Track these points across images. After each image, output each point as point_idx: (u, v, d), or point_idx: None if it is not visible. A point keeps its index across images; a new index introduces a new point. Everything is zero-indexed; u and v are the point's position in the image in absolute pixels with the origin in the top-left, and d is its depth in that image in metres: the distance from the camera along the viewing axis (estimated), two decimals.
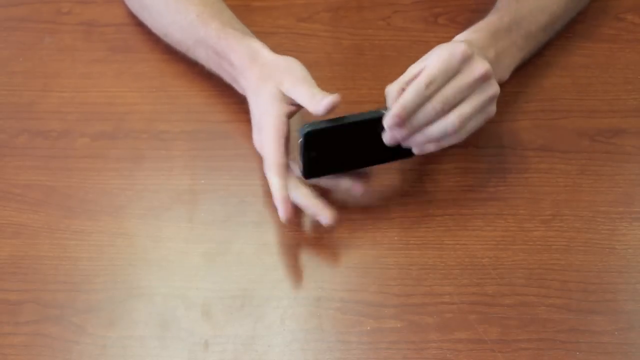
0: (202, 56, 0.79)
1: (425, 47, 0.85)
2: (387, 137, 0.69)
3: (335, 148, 0.69)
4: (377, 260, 0.71)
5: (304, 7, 0.89)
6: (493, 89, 0.68)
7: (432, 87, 0.66)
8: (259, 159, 0.74)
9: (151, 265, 0.72)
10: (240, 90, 0.77)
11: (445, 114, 0.67)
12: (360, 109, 0.78)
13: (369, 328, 0.68)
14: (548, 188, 0.76)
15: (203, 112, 0.80)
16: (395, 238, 0.73)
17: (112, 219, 0.74)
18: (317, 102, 0.67)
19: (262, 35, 0.86)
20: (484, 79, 0.67)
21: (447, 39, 0.86)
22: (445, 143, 0.69)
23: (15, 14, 0.90)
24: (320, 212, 0.70)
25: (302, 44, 0.86)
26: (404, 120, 0.66)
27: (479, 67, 0.67)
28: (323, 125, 0.67)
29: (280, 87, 0.71)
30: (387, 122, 0.67)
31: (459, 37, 0.74)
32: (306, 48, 0.86)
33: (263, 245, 0.73)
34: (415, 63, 0.69)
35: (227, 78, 0.78)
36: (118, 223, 0.74)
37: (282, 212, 0.69)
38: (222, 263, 0.72)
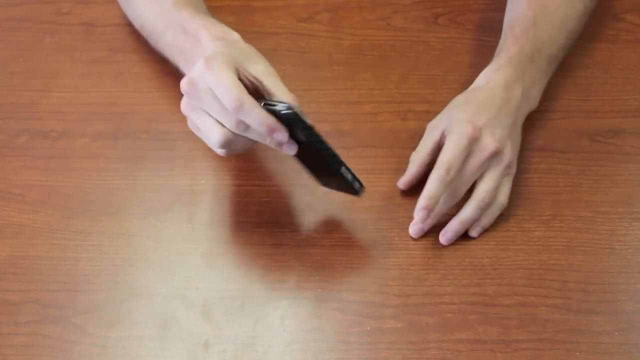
0: (168, 41, 0.76)
1: (425, 47, 0.86)
2: (416, 230, 0.72)
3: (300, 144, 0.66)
4: (377, 260, 0.71)
5: (304, 7, 0.89)
6: (505, 160, 0.72)
7: (452, 172, 0.69)
8: (260, 159, 0.74)
9: (151, 265, 0.72)
10: (187, 70, 0.70)
11: (463, 194, 0.72)
12: (360, 109, 0.79)
13: (369, 328, 0.68)
14: (548, 188, 0.76)
15: None
16: (395, 238, 0.73)
17: (112, 219, 0.74)
18: (293, 99, 0.65)
19: (262, 35, 0.86)
20: (494, 155, 0.71)
21: (447, 39, 0.87)
22: (486, 221, 0.73)
23: (15, 14, 0.90)
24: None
25: (302, 44, 0.86)
26: (432, 210, 0.70)
27: (489, 145, 0.71)
28: (305, 119, 0.64)
29: (246, 61, 0.66)
30: (417, 215, 0.70)
31: (482, 77, 0.76)
32: (306, 48, 0.86)
33: (263, 245, 0.73)
34: (427, 136, 0.74)
35: (185, 59, 0.73)
36: (118, 223, 0.74)
37: (283, 135, 0.64)
38: (222, 263, 0.72)
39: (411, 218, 0.73)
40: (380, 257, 0.72)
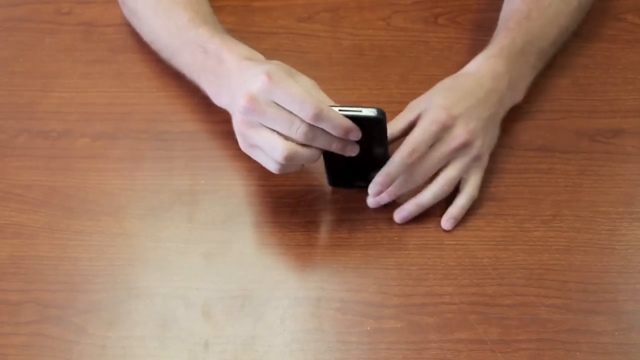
0: (185, 59, 0.77)
1: (425, 47, 0.86)
2: (372, 202, 0.73)
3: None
4: (377, 260, 0.71)
5: (304, 7, 0.89)
6: (474, 152, 0.72)
7: (414, 155, 0.70)
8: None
9: (151, 265, 0.72)
10: (214, 90, 0.73)
11: (428, 179, 0.72)
12: None
13: (369, 328, 0.68)
14: (548, 188, 0.76)
15: (203, 112, 0.80)
16: (395, 238, 0.73)
17: (112, 219, 0.74)
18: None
19: (262, 35, 0.86)
20: (463, 147, 0.71)
21: (447, 39, 0.87)
22: (456, 212, 0.73)
23: (15, 14, 0.90)
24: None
25: (302, 44, 0.86)
26: (386, 187, 0.71)
27: (459, 135, 0.71)
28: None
29: (292, 75, 0.67)
30: (371, 189, 0.71)
31: (473, 64, 0.76)
32: (306, 48, 0.86)
33: (263, 245, 0.73)
34: (404, 114, 0.74)
35: (207, 78, 0.74)
36: (118, 223, 0.74)
37: (357, 134, 0.66)
38: (222, 263, 0.72)
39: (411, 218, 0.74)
40: (380, 257, 0.72)
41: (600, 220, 0.74)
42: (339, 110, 0.65)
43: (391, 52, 0.86)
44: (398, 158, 0.70)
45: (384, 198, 0.72)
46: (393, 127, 0.74)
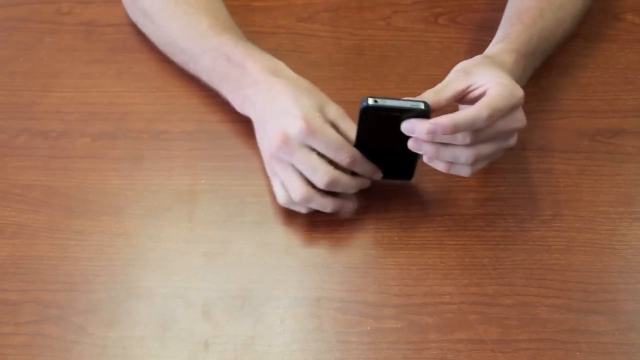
0: (205, 65, 0.77)
1: (425, 47, 0.86)
2: (417, 138, 0.66)
3: (381, 129, 0.68)
4: (377, 260, 0.71)
5: (304, 7, 0.89)
6: (515, 139, 0.69)
7: (489, 121, 0.64)
8: (260, 159, 0.74)
9: (151, 265, 0.72)
10: (238, 100, 0.75)
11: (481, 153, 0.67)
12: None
13: (369, 328, 0.68)
14: (548, 188, 0.76)
15: (203, 112, 0.80)
16: (395, 238, 0.73)
17: (112, 219, 0.74)
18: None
19: (262, 35, 0.86)
20: (516, 132, 0.69)
21: (447, 39, 0.87)
22: (453, 170, 0.68)
23: (15, 14, 0.90)
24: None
25: (302, 44, 0.86)
26: (444, 133, 0.63)
27: (522, 118, 0.68)
28: (380, 104, 0.66)
29: (323, 106, 0.70)
30: (428, 127, 0.63)
31: (498, 51, 0.72)
32: (306, 48, 0.86)
33: (263, 245, 0.73)
34: (455, 73, 0.69)
35: (230, 87, 0.75)
36: (118, 223, 0.74)
37: (379, 175, 0.72)
38: (222, 263, 0.72)
39: (411, 218, 0.73)
40: (380, 257, 0.72)
41: (600, 220, 0.74)
42: (388, 101, 0.66)
43: (391, 52, 0.86)
44: (474, 113, 0.63)
45: (431, 150, 0.66)
46: (440, 95, 0.66)
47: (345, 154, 0.69)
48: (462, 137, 0.65)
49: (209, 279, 0.71)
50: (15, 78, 0.84)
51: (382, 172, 0.73)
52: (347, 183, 0.70)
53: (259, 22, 0.88)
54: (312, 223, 0.74)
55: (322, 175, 0.68)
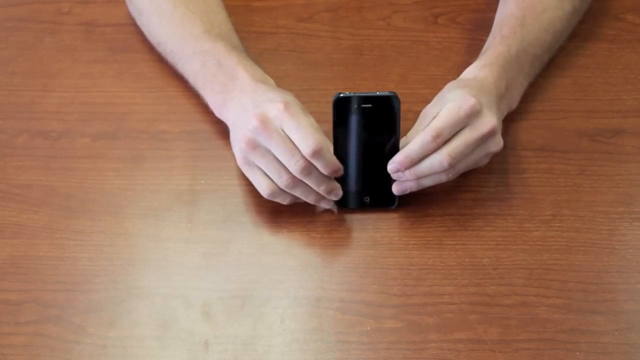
0: (194, 67, 0.77)
1: (425, 47, 0.86)
2: (396, 189, 0.71)
3: (357, 128, 0.69)
4: (377, 260, 0.71)
5: (304, 7, 0.89)
6: (497, 145, 0.70)
7: (439, 140, 0.67)
8: None
9: (151, 265, 0.72)
10: (218, 102, 0.75)
11: (458, 171, 0.70)
12: None
13: (369, 328, 0.68)
14: (548, 188, 0.76)
15: (203, 112, 0.80)
16: (395, 238, 0.73)
17: (112, 219, 0.74)
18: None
19: (262, 35, 0.86)
20: (490, 135, 0.69)
21: (447, 39, 0.87)
22: (430, 182, 0.71)
23: (15, 14, 0.90)
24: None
25: (302, 44, 0.86)
26: (405, 168, 0.69)
27: (487, 123, 0.69)
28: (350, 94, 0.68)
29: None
30: (390, 167, 0.69)
31: (469, 71, 0.75)
32: (306, 48, 0.86)
33: (263, 245, 0.73)
34: (429, 107, 0.71)
35: (214, 89, 0.75)
36: (118, 223, 0.74)
37: (341, 172, 0.69)
38: (222, 263, 0.72)
39: (411, 218, 0.73)
40: (380, 257, 0.72)
41: (600, 220, 0.74)
42: (356, 95, 0.68)
43: (391, 52, 0.86)
44: (419, 141, 0.67)
45: (410, 186, 0.70)
46: (408, 139, 0.70)
47: (313, 142, 0.66)
48: (438, 160, 0.68)
49: (208, 279, 0.71)
50: (15, 78, 0.84)
51: (364, 198, 0.73)
52: (318, 176, 0.68)
53: (259, 22, 0.88)
54: (312, 223, 0.74)
55: (299, 159, 0.66)
